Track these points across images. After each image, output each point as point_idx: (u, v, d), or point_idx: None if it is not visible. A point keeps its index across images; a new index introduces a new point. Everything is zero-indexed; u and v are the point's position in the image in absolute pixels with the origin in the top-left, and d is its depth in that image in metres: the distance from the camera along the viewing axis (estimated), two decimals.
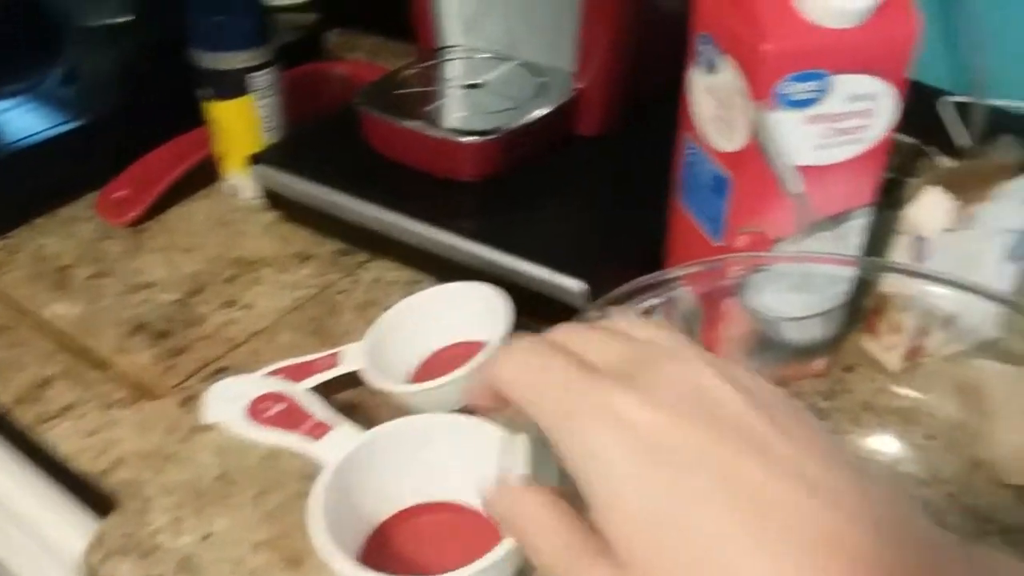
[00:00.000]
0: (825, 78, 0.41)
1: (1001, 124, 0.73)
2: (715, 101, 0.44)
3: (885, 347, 0.53)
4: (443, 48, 0.69)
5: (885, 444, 0.48)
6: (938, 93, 0.76)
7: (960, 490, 0.46)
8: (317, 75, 0.83)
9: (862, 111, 0.42)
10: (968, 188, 0.47)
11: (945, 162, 0.73)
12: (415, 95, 0.62)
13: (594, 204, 0.59)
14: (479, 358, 0.48)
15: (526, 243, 0.54)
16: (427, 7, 0.67)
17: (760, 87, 0.41)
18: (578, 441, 0.25)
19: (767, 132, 0.42)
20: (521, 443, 0.29)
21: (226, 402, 0.45)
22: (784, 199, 0.44)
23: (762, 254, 0.46)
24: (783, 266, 0.47)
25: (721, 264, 0.46)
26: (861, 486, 0.23)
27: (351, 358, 0.51)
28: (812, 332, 0.50)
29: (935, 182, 0.48)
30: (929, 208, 0.48)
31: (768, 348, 0.51)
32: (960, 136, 0.70)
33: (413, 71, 0.66)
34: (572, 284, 0.52)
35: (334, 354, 0.52)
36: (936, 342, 0.53)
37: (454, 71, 0.66)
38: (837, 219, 0.46)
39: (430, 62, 0.67)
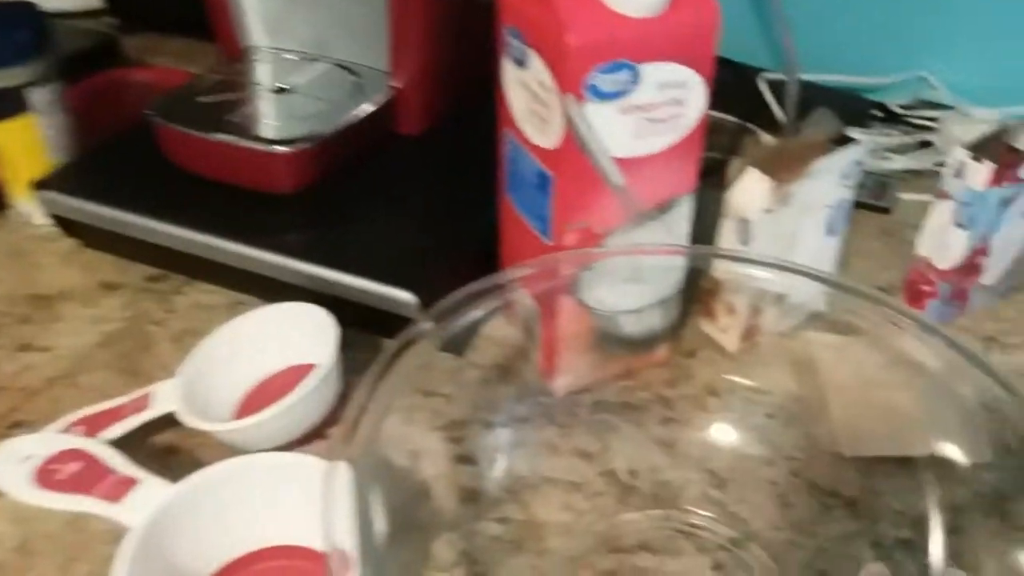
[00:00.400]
0: (633, 68, 0.39)
1: (817, 99, 0.75)
2: (528, 95, 0.43)
3: (722, 329, 0.53)
4: (248, 50, 0.64)
5: (727, 428, 0.48)
6: (758, 72, 0.78)
7: (802, 466, 0.46)
8: (115, 85, 0.76)
9: (673, 99, 0.41)
10: (784, 167, 0.48)
11: (767, 140, 0.75)
12: (218, 103, 0.57)
13: (422, 208, 0.56)
14: (308, 383, 0.45)
15: (351, 256, 0.51)
16: (225, 6, 0.62)
17: (568, 81, 0.39)
18: None
19: (581, 126, 0.40)
20: (343, 473, 0.30)
21: (12, 465, 0.40)
22: (607, 193, 0.43)
23: (592, 250, 0.45)
24: (615, 260, 0.46)
25: (552, 264, 0.45)
26: None
27: (163, 398, 0.46)
28: (650, 322, 0.50)
29: (752, 164, 0.48)
30: (748, 190, 0.48)
31: (609, 341, 0.50)
32: (779, 113, 0.72)
33: (216, 77, 0.61)
34: (402, 296, 0.49)
35: (144, 395, 0.47)
36: (770, 319, 0.54)
37: (261, 75, 0.61)
38: (662, 208, 0.46)
39: (234, 66, 0.62)
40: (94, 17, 1.00)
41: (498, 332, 0.54)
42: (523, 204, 0.47)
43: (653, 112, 0.41)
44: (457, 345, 0.53)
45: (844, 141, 0.72)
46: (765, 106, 0.75)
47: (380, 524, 0.36)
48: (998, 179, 0.49)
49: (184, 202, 0.56)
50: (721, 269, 0.47)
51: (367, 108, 0.58)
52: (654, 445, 0.48)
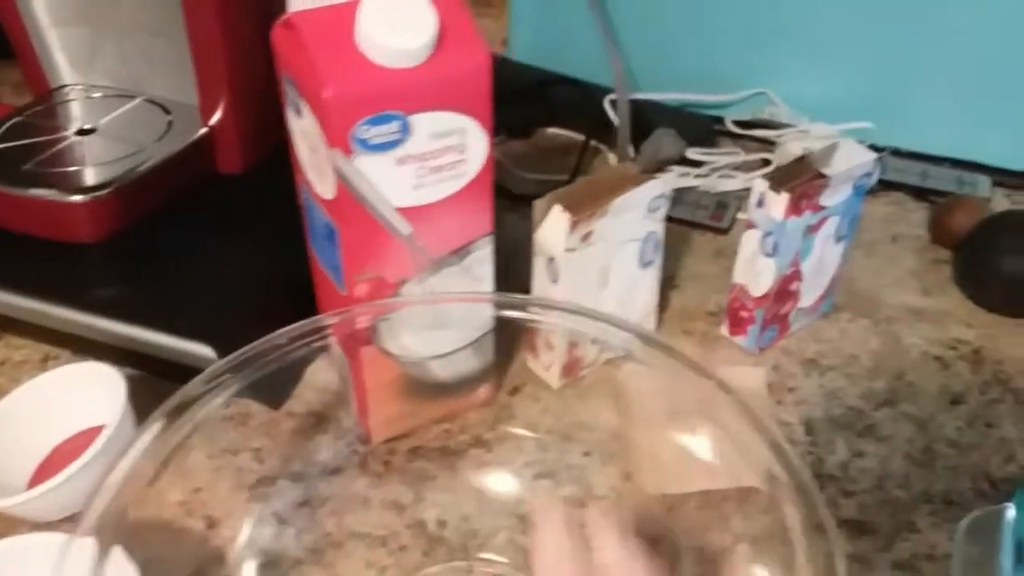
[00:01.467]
0: (401, 119, 0.38)
1: (662, 118, 0.76)
2: (307, 146, 0.41)
3: (545, 366, 0.53)
4: (58, 89, 0.61)
5: (542, 470, 0.48)
6: (606, 92, 0.78)
7: (611, 507, 0.46)
8: None
9: (452, 147, 0.41)
10: (586, 204, 0.47)
11: (612, 160, 0.75)
12: (17, 148, 0.55)
13: (236, 252, 0.54)
14: (93, 450, 0.43)
15: (152, 310, 0.49)
16: (29, 43, 0.59)
17: (333, 134, 0.38)
18: None
19: (353, 178, 0.39)
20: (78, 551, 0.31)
21: None
22: (394, 242, 0.42)
23: (386, 301, 0.44)
24: (414, 308, 0.45)
25: (348, 315, 0.44)
26: None
27: None
28: (463, 365, 0.49)
29: (556, 202, 0.48)
30: (552, 229, 0.47)
31: (423, 387, 0.49)
32: (622, 132, 0.72)
33: (19, 119, 0.57)
34: (201, 350, 0.47)
35: None
36: (592, 353, 0.54)
37: (68, 115, 0.58)
38: (459, 253, 0.45)
39: (39, 107, 0.59)
40: None
41: (320, 378, 0.53)
42: (320, 253, 0.46)
43: (432, 161, 0.40)
44: (275, 395, 0.52)
45: (681, 161, 0.73)
46: (610, 125, 0.75)
47: None
48: (797, 208, 0.50)
49: None
50: (531, 311, 0.47)
51: (175, 149, 0.55)
52: (467, 492, 0.47)
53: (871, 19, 0.72)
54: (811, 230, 0.52)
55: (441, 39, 0.39)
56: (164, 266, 0.53)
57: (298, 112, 0.41)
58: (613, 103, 0.76)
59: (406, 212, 0.42)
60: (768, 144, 0.76)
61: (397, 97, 0.38)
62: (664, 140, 0.72)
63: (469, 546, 0.44)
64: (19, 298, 0.51)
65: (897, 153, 0.75)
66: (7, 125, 0.57)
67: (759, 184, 0.50)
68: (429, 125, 0.39)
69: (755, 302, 0.53)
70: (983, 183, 0.71)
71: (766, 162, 0.74)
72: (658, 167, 0.73)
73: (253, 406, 0.51)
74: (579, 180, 0.50)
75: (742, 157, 0.73)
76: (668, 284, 0.62)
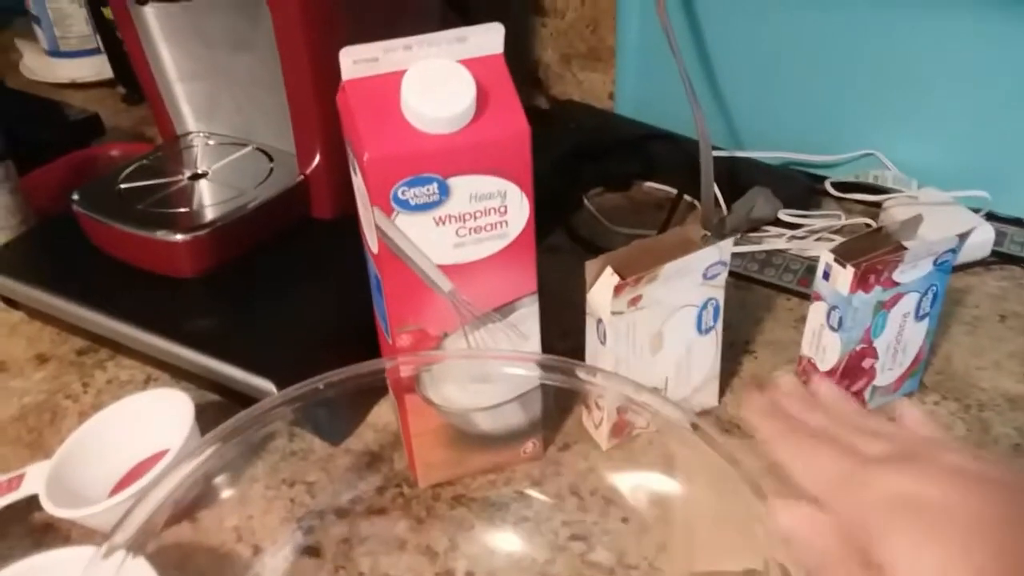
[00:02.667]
0: (439, 182, 0.40)
1: (760, 176, 0.74)
2: (361, 203, 0.44)
3: (596, 423, 0.53)
4: (183, 135, 0.67)
5: (577, 532, 0.47)
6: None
7: None
8: (91, 161, 0.81)
9: (493, 208, 0.42)
10: (637, 268, 0.47)
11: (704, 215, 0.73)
12: (136, 189, 0.61)
13: (314, 294, 0.58)
14: (156, 470, 0.47)
15: (226, 342, 0.54)
16: (159, 94, 0.65)
17: (374, 193, 0.40)
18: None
19: (392, 236, 0.41)
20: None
21: None
22: (436, 297, 0.44)
23: (427, 353, 0.46)
24: (453, 362, 0.47)
25: (392, 364, 0.46)
26: None
27: (33, 479, 0.49)
28: (508, 419, 0.50)
29: (606, 264, 0.48)
30: (600, 291, 0.48)
31: (470, 437, 0.50)
32: (705, 190, 0.70)
33: (145, 162, 0.64)
34: (262, 383, 0.51)
35: (20, 475, 0.50)
36: (644, 417, 0.53)
37: (186, 160, 0.64)
38: (503, 310, 0.46)
39: (162, 152, 0.65)
40: (110, 87, 1.07)
41: (382, 419, 0.56)
42: (375, 303, 0.48)
43: (472, 222, 0.42)
44: (335, 432, 0.54)
45: (775, 223, 0.71)
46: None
47: None
48: (865, 283, 0.47)
49: (99, 285, 0.59)
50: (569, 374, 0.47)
51: (271, 194, 0.60)
52: (501, 547, 0.48)
53: (989, 79, 0.67)
54: (884, 306, 0.49)
55: (482, 106, 0.40)
56: (249, 303, 0.57)
57: (354, 171, 0.44)
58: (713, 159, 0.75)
59: (447, 269, 0.43)
60: (875, 208, 0.72)
61: (435, 161, 0.40)
62: (758, 199, 0.71)
63: None
64: (121, 324, 0.56)
65: (1021, 224, 0.70)
66: (134, 167, 0.63)
67: (825, 255, 0.48)
68: (468, 188, 0.41)
69: (822, 376, 0.51)
70: None
71: (868, 227, 0.70)
72: (751, 227, 0.71)
73: (316, 442, 0.54)
74: (634, 243, 0.50)
75: (842, 221, 0.70)
76: (743, 349, 0.60)
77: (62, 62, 1.10)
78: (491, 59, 0.42)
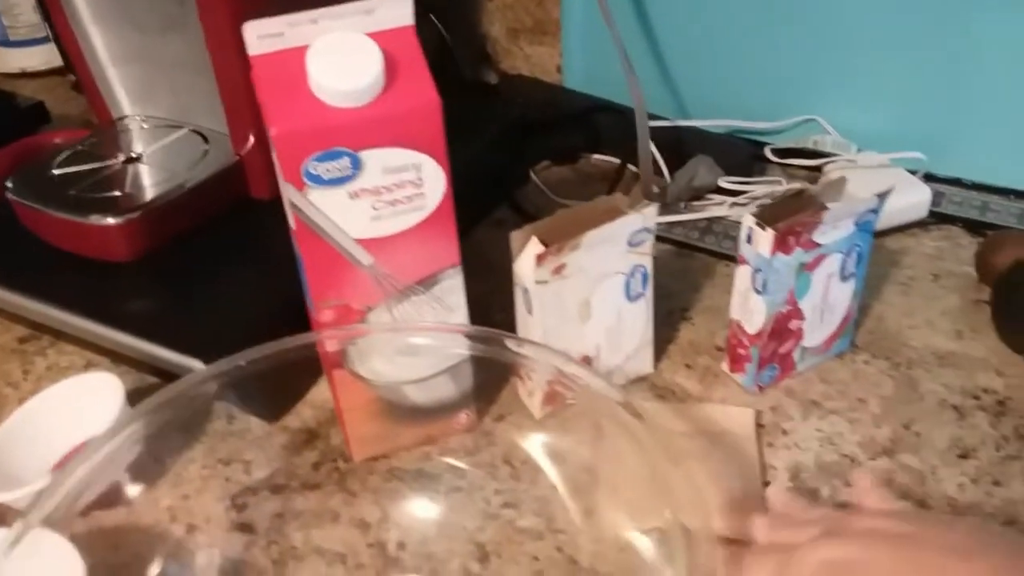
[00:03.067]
0: (350, 156, 0.40)
1: (703, 145, 0.74)
2: (280, 179, 0.44)
3: (528, 393, 0.53)
4: (120, 120, 0.67)
5: (508, 499, 0.48)
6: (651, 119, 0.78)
7: (568, 541, 0.46)
8: (33, 149, 0.80)
9: (408, 181, 0.42)
10: (564, 236, 0.48)
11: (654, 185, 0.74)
12: (71, 175, 0.60)
13: (250, 273, 0.58)
14: (81, 455, 0.46)
15: (158, 325, 0.54)
16: (92, 79, 0.65)
17: (286, 168, 0.40)
18: None
19: (307, 211, 0.41)
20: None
21: None
22: (356, 271, 0.44)
23: (352, 327, 0.46)
24: (378, 335, 0.47)
25: (314, 338, 0.46)
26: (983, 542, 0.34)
27: None
28: (440, 391, 0.50)
29: (531, 234, 0.48)
30: (525, 260, 0.48)
31: (402, 410, 0.50)
32: (643, 160, 0.71)
33: (80, 147, 0.64)
34: (194, 364, 0.51)
35: None
36: (581, 384, 0.54)
37: (121, 144, 0.64)
38: (426, 283, 0.46)
39: (98, 136, 0.65)
40: (60, 75, 1.06)
41: (319, 396, 0.56)
42: (301, 279, 0.48)
43: (388, 195, 0.42)
44: (272, 410, 0.55)
45: (717, 190, 0.71)
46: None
47: None
48: (785, 246, 0.48)
49: (36, 273, 0.59)
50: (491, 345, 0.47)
51: (205, 175, 0.60)
52: (433, 516, 0.48)
53: (929, 43, 0.68)
54: (807, 268, 0.50)
55: (392, 79, 0.40)
56: (185, 285, 0.57)
57: (272, 148, 0.44)
58: (654, 129, 0.75)
59: (366, 243, 0.43)
60: (816, 173, 0.73)
61: (345, 135, 0.40)
62: (700, 167, 0.71)
63: (423, 569, 0.45)
64: (56, 311, 0.56)
65: (959, 184, 0.71)
66: (68, 153, 0.63)
67: (747, 219, 0.49)
68: (380, 161, 0.41)
69: (750, 339, 0.52)
70: None
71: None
72: (693, 195, 0.72)
73: (254, 421, 0.54)
74: (559, 212, 0.50)
75: (783, 187, 0.71)
76: (681, 316, 0.61)
77: (12, 52, 1.09)
78: (401, 31, 0.42)
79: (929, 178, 0.71)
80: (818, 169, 0.72)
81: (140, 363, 0.56)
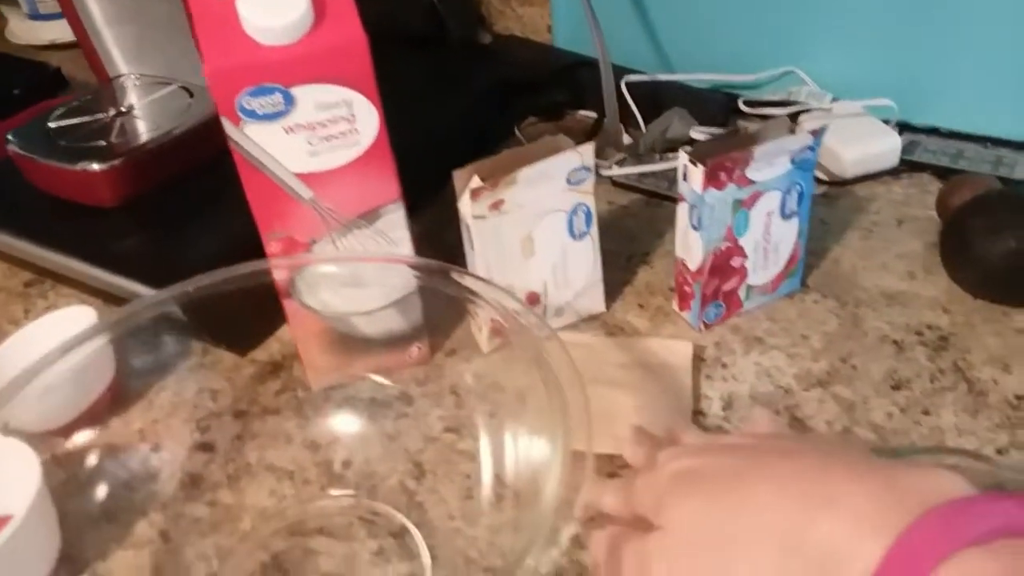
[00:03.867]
0: (281, 91, 0.43)
1: (679, 97, 0.75)
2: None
3: (478, 327, 0.55)
4: (116, 78, 0.71)
5: (448, 424, 0.51)
6: (624, 72, 0.79)
7: (498, 462, 0.48)
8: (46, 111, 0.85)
9: (341, 117, 0.44)
10: (501, 173, 0.50)
11: (624, 139, 0.75)
12: (65, 128, 0.64)
13: (227, 215, 0.61)
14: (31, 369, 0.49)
15: (143, 265, 0.57)
16: (88, 39, 0.69)
17: (220, 103, 0.43)
18: None
19: (244, 145, 0.44)
20: None
21: None
22: (298, 205, 0.47)
23: (298, 256, 0.49)
24: (327, 265, 0.50)
25: (259, 266, 0.49)
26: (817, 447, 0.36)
27: None
28: (388, 323, 0.53)
29: (473, 171, 0.50)
30: (465, 195, 0.50)
31: (354, 341, 0.53)
32: (610, 111, 0.72)
33: (76, 103, 0.68)
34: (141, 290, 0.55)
35: None
36: (526, 319, 0.56)
37: (115, 99, 0.68)
38: (368, 217, 0.49)
39: (92, 94, 0.69)
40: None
41: (288, 332, 0.59)
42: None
43: (322, 130, 0.45)
44: (242, 343, 0.58)
45: (690, 142, 0.72)
46: (627, 106, 0.76)
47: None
48: (716, 181, 0.49)
49: (34, 219, 0.63)
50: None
51: (186, 125, 0.63)
52: (378, 439, 0.51)
53: None
54: (743, 204, 0.51)
55: (320, 18, 0.43)
56: (167, 227, 0.61)
57: None
58: (629, 84, 0.76)
59: (305, 177, 0.46)
60: (792, 123, 0.73)
61: (275, 71, 0.42)
62: (674, 119, 0.72)
63: (363, 485, 0.48)
64: (49, 253, 0.61)
65: (936, 133, 0.70)
66: (64, 109, 0.67)
67: (682, 156, 0.50)
68: (312, 97, 0.44)
69: (692, 276, 0.53)
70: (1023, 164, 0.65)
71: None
72: (667, 147, 0.73)
73: (226, 355, 0.58)
74: (503, 152, 0.52)
75: None
76: (641, 260, 0.62)
77: (42, 24, 1.14)
78: None
79: (905, 127, 0.70)
80: (793, 119, 0.72)
81: (126, 301, 0.60)
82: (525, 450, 0.45)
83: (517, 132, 0.80)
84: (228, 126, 0.43)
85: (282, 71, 0.42)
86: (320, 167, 0.46)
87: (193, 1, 0.43)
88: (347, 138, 0.45)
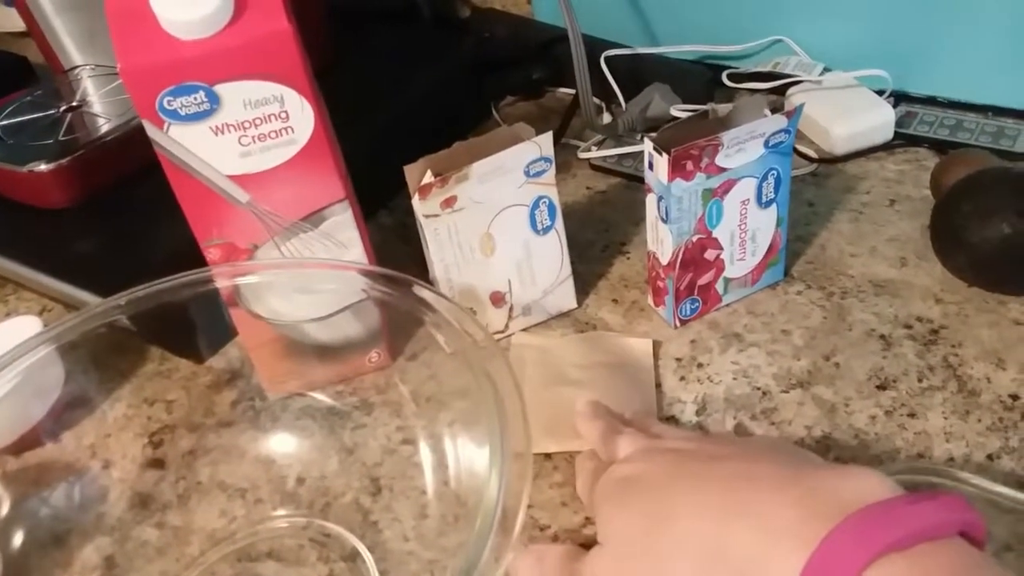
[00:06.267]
0: (205, 89, 0.40)
1: (662, 72, 0.71)
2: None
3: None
4: (70, 69, 0.68)
5: (407, 435, 0.48)
6: (608, 47, 0.75)
7: (454, 478, 0.45)
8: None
9: (272, 114, 0.41)
10: (457, 167, 0.46)
11: (604, 117, 0.71)
12: (13, 126, 0.62)
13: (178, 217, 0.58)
14: None
15: (92, 271, 0.55)
16: (38, 29, 0.66)
17: (140, 105, 0.40)
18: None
19: (170, 148, 0.41)
20: None
21: None
22: (235, 209, 0.44)
23: (239, 264, 0.46)
24: (273, 272, 0.47)
25: (205, 275, 0.46)
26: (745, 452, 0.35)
27: None
28: (344, 329, 0.50)
29: (426, 167, 0.47)
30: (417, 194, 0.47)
31: (310, 348, 0.51)
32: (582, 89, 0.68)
33: (27, 98, 0.65)
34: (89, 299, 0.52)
35: None
36: (497, 321, 0.53)
37: (66, 93, 0.65)
38: (313, 219, 0.46)
39: (43, 88, 0.66)
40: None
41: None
42: None
43: (253, 129, 0.41)
44: (199, 351, 0.56)
45: (673, 120, 0.68)
46: (606, 83, 0.72)
47: None
48: (683, 171, 0.45)
49: None
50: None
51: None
52: (335, 452, 0.48)
53: None
54: (715, 194, 0.47)
55: (241, 9, 0.39)
56: (121, 229, 0.58)
57: None
58: (609, 60, 0.72)
59: (240, 179, 0.43)
60: (780, 95, 0.69)
61: (195, 68, 0.39)
62: (655, 96, 0.68)
63: (316, 503, 0.46)
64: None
65: (934, 103, 0.66)
66: (15, 104, 0.64)
67: (647, 144, 0.46)
68: (239, 94, 0.40)
69: (664, 271, 0.50)
70: None
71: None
72: (649, 125, 0.69)
73: (182, 362, 0.55)
74: (456, 144, 0.49)
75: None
76: (617, 250, 0.59)
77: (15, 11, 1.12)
78: None
79: (902, 98, 0.66)
80: (782, 92, 0.68)
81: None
82: (468, 465, 0.42)
83: (495, 113, 0.76)
84: (150, 129, 0.41)
85: (203, 68, 0.39)
86: (255, 168, 0.43)
87: None
88: (282, 136, 0.42)
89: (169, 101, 0.40)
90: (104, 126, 0.60)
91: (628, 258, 0.58)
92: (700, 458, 0.35)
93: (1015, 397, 0.45)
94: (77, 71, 0.68)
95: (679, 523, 0.32)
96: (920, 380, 0.46)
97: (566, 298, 0.54)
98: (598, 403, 0.44)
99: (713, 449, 0.36)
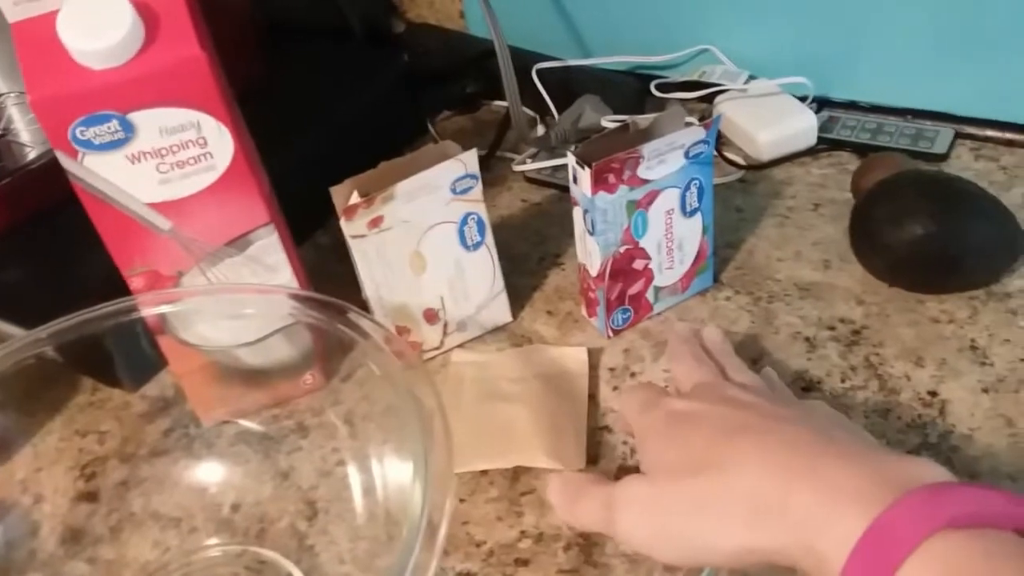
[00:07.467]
0: (117, 118, 0.39)
1: (593, 84, 0.72)
2: None
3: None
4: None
5: (343, 458, 0.48)
6: (539, 59, 0.75)
7: (387, 499, 0.45)
8: None
9: (190, 141, 0.41)
10: (383, 187, 0.46)
11: (538, 130, 0.72)
12: None
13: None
14: None
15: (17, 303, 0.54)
16: None
17: (53, 136, 0.39)
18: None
19: (85, 178, 0.41)
20: None
21: None
22: (157, 237, 0.43)
23: (164, 291, 0.45)
24: (199, 298, 0.47)
25: (129, 304, 0.46)
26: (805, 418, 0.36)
27: None
28: (276, 353, 0.50)
29: (352, 187, 0.47)
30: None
31: (242, 373, 0.50)
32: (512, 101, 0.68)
33: None
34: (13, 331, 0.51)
35: None
36: (433, 339, 0.53)
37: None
38: (238, 244, 0.46)
39: None
40: None
41: None
42: None
43: (171, 156, 0.41)
44: (131, 379, 0.55)
45: (598, 130, 0.69)
46: (539, 95, 0.73)
47: None
48: (605, 184, 0.46)
49: None
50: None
51: None
52: (270, 478, 0.48)
53: None
54: (639, 205, 0.48)
55: (152, 36, 0.39)
56: (45, 260, 0.57)
57: None
58: (540, 72, 0.73)
59: (160, 207, 0.43)
60: (709, 104, 0.70)
61: (106, 96, 0.39)
62: (586, 107, 0.69)
63: (252, 530, 0.46)
64: None
65: (856, 107, 0.68)
66: None
67: (570, 157, 0.47)
68: (154, 122, 0.40)
69: (594, 282, 0.50)
70: (944, 137, 0.63)
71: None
72: (580, 136, 0.70)
73: (115, 392, 0.55)
74: (382, 164, 0.49)
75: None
76: (552, 262, 0.60)
77: None
78: None
79: (824, 103, 0.68)
80: (708, 100, 0.69)
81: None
82: (397, 485, 0.42)
83: (431, 128, 0.76)
84: (64, 159, 0.40)
85: (115, 96, 0.39)
86: (175, 195, 0.42)
87: (16, 24, 0.39)
88: (201, 163, 0.42)
89: (82, 131, 0.39)
90: (30, 154, 0.59)
91: (563, 269, 0.59)
92: (764, 414, 0.36)
93: (933, 393, 0.46)
94: (2, 99, 0.67)
95: (735, 475, 0.33)
96: (843, 380, 0.47)
97: (501, 312, 0.54)
98: (694, 329, 0.46)
99: (774, 409, 0.36)
